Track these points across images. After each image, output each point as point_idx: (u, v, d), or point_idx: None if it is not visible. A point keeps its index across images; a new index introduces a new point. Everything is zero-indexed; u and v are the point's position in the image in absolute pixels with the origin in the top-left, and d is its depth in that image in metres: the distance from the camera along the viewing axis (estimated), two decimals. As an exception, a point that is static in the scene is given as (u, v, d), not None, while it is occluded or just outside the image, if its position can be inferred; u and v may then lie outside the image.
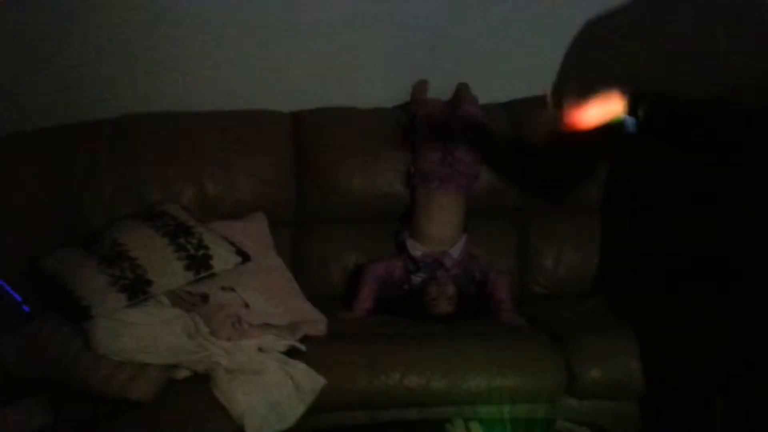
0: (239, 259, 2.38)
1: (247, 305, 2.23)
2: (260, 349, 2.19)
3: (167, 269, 2.24)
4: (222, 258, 2.35)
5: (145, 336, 2.09)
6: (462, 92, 2.77)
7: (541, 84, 2.77)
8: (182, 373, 2.11)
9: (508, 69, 2.92)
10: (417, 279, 2.64)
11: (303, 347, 2.23)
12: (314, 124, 2.85)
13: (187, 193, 2.67)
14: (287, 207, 2.80)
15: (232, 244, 2.43)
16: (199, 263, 2.29)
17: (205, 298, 2.22)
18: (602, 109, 1.92)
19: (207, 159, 2.71)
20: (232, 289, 2.29)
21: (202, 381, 2.10)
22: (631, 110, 1.90)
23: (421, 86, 2.85)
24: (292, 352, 2.22)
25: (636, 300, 2.60)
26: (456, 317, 2.55)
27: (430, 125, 2.69)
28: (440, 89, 2.85)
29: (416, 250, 2.66)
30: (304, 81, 2.92)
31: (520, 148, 2.78)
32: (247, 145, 2.77)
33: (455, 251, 2.64)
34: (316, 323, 2.36)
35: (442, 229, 2.66)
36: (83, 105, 2.77)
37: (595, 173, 2.77)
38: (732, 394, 2.09)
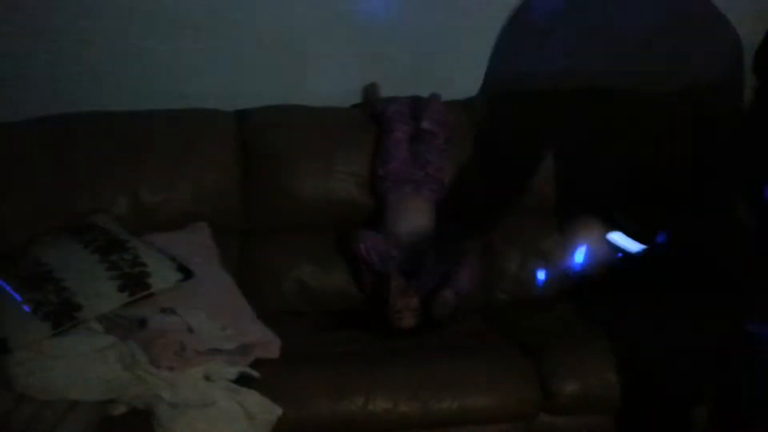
0: (180, 275, 2.14)
1: (191, 329, 1.99)
2: (207, 378, 1.96)
3: (98, 291, 1.99)
4: (161, 275, 2.10)
5: (73, 369, 1.84)
6: (430, 98, 2.64)
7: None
8: (119, 410, 1.88)
9: (465, 66, 2.77)
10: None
11: (255, 373, 2.02)
12: (261, 124, 2.62)
13: (121, 202, 2.42)
14: (232, 215, 2.56)
15: (172, 258, 2.18)
16: (134, 282, 2.04)
17: (142, 323, 1.97)
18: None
19: (142, 163, 2.46)
20: (174, 311, 2.04)
21: (142, 417, 1.88)
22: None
23: (373, 89, 2.70)
24: (243, 379, 1.99)
25: (605, 304, 2.46)
26: (419, 329, 2.36)
27: (402, 124, 2.50)
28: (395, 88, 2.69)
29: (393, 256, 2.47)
30: (249, 78, 2.69)
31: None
32: (187, 148, 2.54)
33: (428, 260, 2.47)
34: (268, 344, 2.14)
35: (416, 236, 2.49)
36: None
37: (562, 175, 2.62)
38: (719, 404, 1.98)
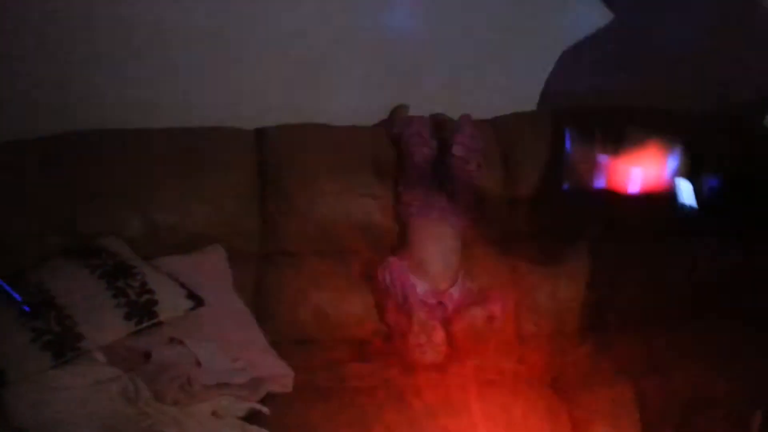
0: (191, 303, 2.03)
1: (199, 362, 1.88)
2: (215, 414, 1.85)
3: (103, 319, 1.89)
4: (170, 303, 2.00)
5: (74, 403, 1.73)
6: (462, 121, 2.51)
7: (525, 98, 2.64)
8: (121, 447, 1.76)
9: (492, 85, 2.65)
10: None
11: (265, 409, 1.90)
12: (281, 143, 2.52)
13: (133, 223, 2.32)
14: (249, 238, 2.46)
15: (182, 285, 2.08)
16: (141, 311, 1.94)
17: (146, 355, 1.87)
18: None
19: (156, 183, 2.36)
20: (182, 342, 1.93)
21: (144, 456, 1.76)
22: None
23: (400, 111, 2.59)
24: (253, 416, 1.88)
25: (635, 339, 2.34)
26: (442, 364, 2.22)
27: (421, 146, 2.38)
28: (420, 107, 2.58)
29: (418, 286, 2.34)
30: (269, 94, 2.58)
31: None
32: (203, 168, 2.44)
33: (455, 290, 2.34)
34: (281, 377, 2.03)
35: (443, 265, 2.37)
36: (6, 122, 2.38)
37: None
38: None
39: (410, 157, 2.41)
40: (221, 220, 2.41)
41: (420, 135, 2.44)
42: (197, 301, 2.04)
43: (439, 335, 2.23)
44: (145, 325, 1.93)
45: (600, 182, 2.22)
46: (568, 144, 2.35)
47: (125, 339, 1.91)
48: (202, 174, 2.42)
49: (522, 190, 2.50)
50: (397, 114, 2.58)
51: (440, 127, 2.54)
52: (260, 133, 2.55)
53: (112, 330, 1.88)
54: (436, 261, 2.37)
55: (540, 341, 2.44)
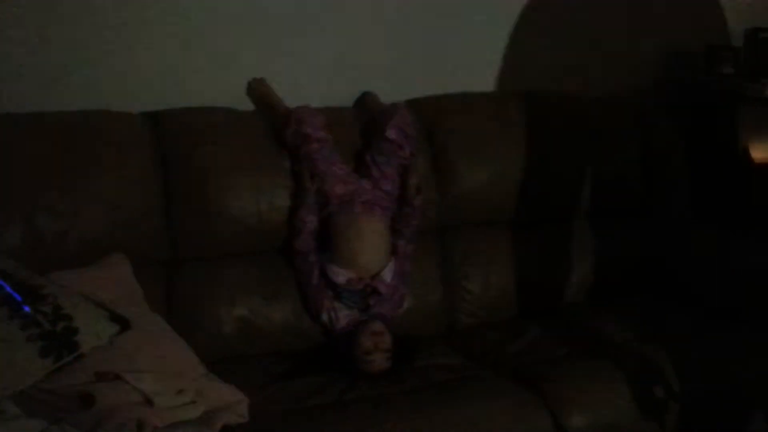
0: (115, 327, 1.64)
1: (149, 400, 1.50)
2: (172, 462, 1.49)
3: (12, 359, 1.44)
4: (91, 329, 1.59)
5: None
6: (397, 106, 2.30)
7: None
8: None
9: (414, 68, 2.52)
10: (343, 318, 2.09)
11: (230, 447, 1.57)
12: (184, 129, 2.16)
13: (13, 233, 1.85)
14: (155, 242, 2.08)
15: (99, 305, 1.67)
16: (60, 343, 1.52)
17: (86, 399, 1.46)
18: None
19: (38, 182, 1.91)
20: (117, 377, 1.54)
21: None
22: None
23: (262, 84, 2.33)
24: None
25: (576, 322, 2.32)
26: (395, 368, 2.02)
27: (322, 144, 2.18)
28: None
29: (339, 275, 2.13)
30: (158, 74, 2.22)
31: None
32: (92, 160, 2.02)
33: (387, 274, 2.16)
34: (236, 405, 1.70)
35: (372, 257, 2.17)
36: None
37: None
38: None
39: (308, 145, 2.16)
40: (119, 223, 2.01)
41: (318, 132, 2.18)
42: (122, 324, 1.65)
43: (388, 340, 2.02)
44: (65, 360, 1.51)
45: None
46: None
47: (43, 381, 1.48)
48: (90, 168, 2.00)
49: (452, 178, 2.36)
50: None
51: (370, 108, 2.32)
52: (154, 117, 2.16)
53: (29, 371, 1.44)
54: (361, 255, 2.17)
55: (479, 332, 2.33)
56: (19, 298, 1.49)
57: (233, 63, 2.30)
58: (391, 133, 2.21)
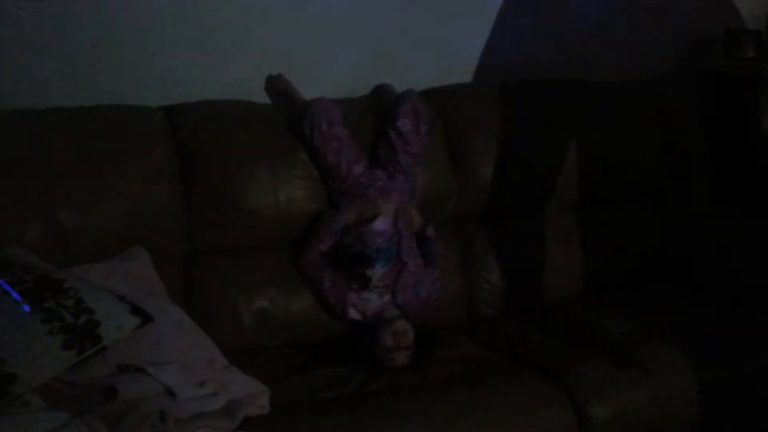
0: (137, 320, 1.64)
1: (171, 392, 1.51)
2: (193, 453, 1.49)
3: (36, 352, 1.45)
4: (113, 322, 1.60)
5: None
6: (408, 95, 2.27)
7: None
8: None
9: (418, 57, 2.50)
10: (371, 309, 2.10)
11: (251, 438, 1.57)
12: (202, 123, 2.16)
13: (34, 227, 1.86)
14: (173, 236, 2.08)
15: (121, 299, 1.68)
16: (82, 335, 1.52)
17: (109, 392, 1.46)
18: None
19: (58, 177, 1.92)
20: (140, 369, 1.55)
21: None
22: None
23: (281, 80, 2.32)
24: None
25: (596, 312, 2.29)
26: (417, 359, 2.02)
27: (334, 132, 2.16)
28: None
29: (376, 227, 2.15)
30: (175, 69, 2.22)
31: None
32: (111, 154, 2.02)
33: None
34: (257, 397, 1.70)
35: None
36: None
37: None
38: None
39: (323, 159, 2.16)
40: (139, 217, 2.01)
41: (334, 121, 2.16)
42: (144, 317, 1.66)
43: (410, 336, 2.01)
44: (88, 353, 1.52)
45: None
46: None
47: (66, 373, 1.49)
48: (110, 162, 2.01)
49: (470, 167, 2.35)
50: (279, 82, 2.32)
51: (384, 98, 2.31)
52: (172, 112, 2.16)
53: (51, 364, 1.45)
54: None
55: (500, 322, 2.32)
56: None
57: (250, 57, 2.30)
58: (401, 124, 2.19)
